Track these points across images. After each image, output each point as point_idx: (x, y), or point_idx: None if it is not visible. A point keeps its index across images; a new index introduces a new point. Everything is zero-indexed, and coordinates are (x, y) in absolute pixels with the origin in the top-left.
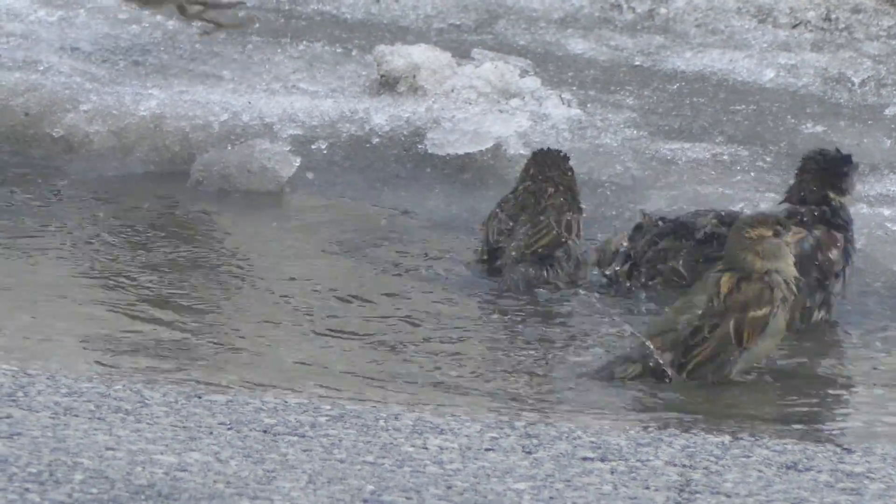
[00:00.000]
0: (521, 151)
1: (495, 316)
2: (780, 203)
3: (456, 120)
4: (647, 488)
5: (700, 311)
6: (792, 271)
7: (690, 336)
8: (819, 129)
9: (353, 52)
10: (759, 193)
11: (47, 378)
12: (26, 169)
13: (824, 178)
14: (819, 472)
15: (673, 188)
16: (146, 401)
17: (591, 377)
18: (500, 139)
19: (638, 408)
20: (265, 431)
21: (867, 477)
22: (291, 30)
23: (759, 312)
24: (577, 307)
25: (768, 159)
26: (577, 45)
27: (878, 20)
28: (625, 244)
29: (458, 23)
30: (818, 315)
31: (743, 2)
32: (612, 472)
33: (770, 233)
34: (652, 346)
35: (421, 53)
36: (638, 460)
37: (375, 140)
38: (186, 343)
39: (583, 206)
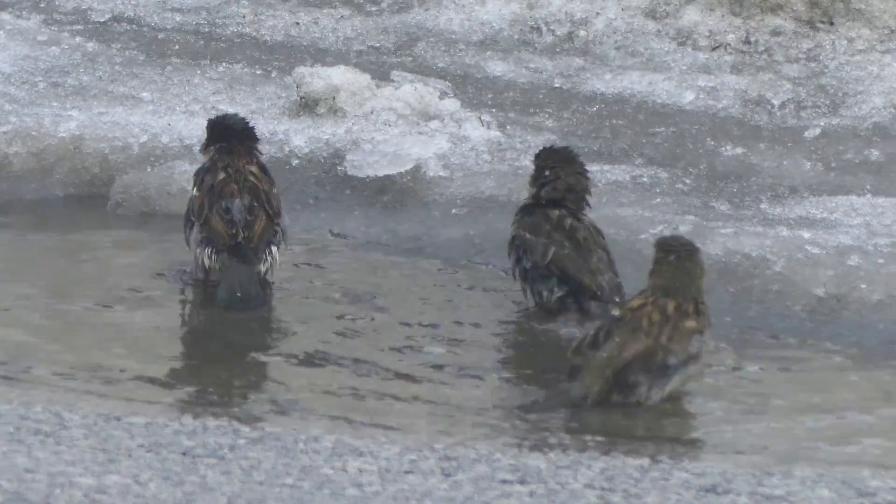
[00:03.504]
0: (441, 173)
1: (414, 338)
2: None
3: (375, 142)
4: None
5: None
6: None
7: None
8: (739, 151)
9: (273, 74)
10: (678, 216)
11: None
12: None
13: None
14: (738, 494)
15: (592, 210)
16: (65, 423)
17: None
18: (420, 161)
19: (557, 430)
20: (184, 454)
21: (786, 500)
22: (211, 51)
23: (692, 324)
24: (501, 332)
25: (688, 181)
26: (497, 68)
27: (798, 42)
28: None
29: (377, 45)
30: None
31: (662, 24)
32: (532, 495)
33: None
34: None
35: (340, 75)
36: (557, 483)
37: (295, 162)
38: (106, 365)
39: None
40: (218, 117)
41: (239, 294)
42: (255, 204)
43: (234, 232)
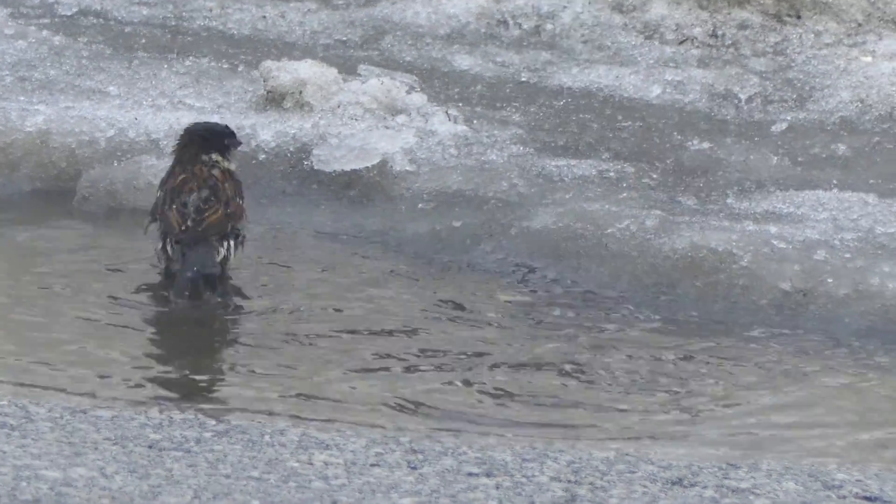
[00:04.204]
0: (408, 168)
1: (380, 332)
2: None
3: (342, 136)
4: None
5: None
6: None
7: None
8: (705, 145)
9: (240, 68)
10: (645, 210)
11: None
12: None
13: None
14: (704, 487)
15: (559, 205)
16: (31, 416)
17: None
18: (387, 155)
19: (523, 422)
20: (150, 447)
21: (753, 493)
22: (178, 45)
23: None
24: (467, 325)
25: (655, 176)
26: (464, 62)
27: (765, 36)
28: None
29: (344, 38)
30: None
31: (629, 18)
32: (498, 488)
33: None
34: None
35: (307, 69)
36: (523, 476)
37: (262, 156)
38: (71, 359)
39: None
40: (194, 125)
41: (189, 275)
42: (213, 198)
43: (186, 222)
